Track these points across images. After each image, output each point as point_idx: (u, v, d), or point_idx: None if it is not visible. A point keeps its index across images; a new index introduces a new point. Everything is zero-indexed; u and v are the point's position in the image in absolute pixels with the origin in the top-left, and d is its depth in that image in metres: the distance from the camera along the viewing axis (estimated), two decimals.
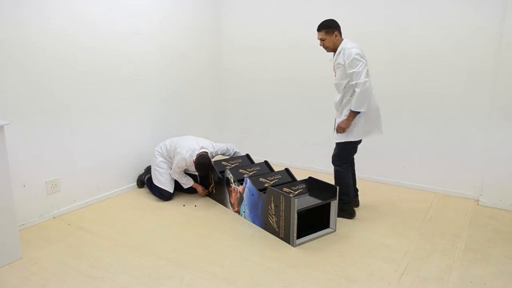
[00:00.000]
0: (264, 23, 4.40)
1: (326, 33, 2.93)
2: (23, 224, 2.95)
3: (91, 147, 3.41)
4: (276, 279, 2.34)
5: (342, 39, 2.97)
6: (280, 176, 3.27)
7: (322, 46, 3.01)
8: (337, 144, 3.11)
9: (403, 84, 3.73)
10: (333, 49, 2.98)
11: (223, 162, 3.56)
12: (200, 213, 3.31)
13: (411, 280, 2.32)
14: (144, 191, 3.79)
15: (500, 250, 2.66)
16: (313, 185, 3.03)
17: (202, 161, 3.34)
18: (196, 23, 4.37)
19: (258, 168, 3.46)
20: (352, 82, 2.86)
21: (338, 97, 3.05)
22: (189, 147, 3.42)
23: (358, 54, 2.82)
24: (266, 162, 3.57)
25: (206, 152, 3.43)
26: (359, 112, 2.88)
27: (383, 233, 2.91)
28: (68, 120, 3.19)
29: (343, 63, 2.88)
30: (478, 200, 3.46)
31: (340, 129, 2.97)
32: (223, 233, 2.94)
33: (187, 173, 3.62)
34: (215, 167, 3.50)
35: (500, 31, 3.20)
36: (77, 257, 2.57)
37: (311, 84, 4.26)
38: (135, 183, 3.86)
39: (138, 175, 3.87)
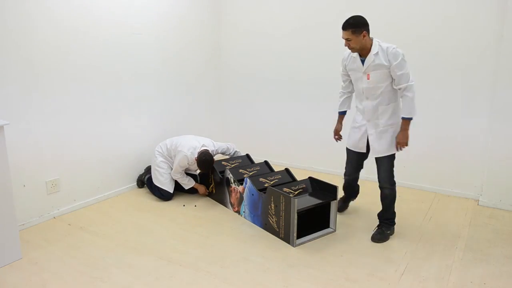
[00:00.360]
0: (264, 23, 4.40)
1: (353, 32, 2.55)
2: (23, 224, 2.95)
3: (91, 147, 3.41)
4: (276, 279, 2.34)
5: (371, 38, 2.61)
6: (280, 176, 3.27)
7: (347, 46, 2.64)
8: (385, 159, 2.75)
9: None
10: (360, 50, 2.62)
11: (223, 162, 3.56)
12: (200, 213, 3.31)
13: (411, 280, 2.32)
14: (144, 191, 3.78)
15: (500, 250, 2.66)
16: (313, 185, 3.04)
17: (205, 158, 3.34)
18: (196, 23, 4.37)
19: (258, 168, 3.46)
20: (401, 86, 2.56)
21: (369, 104, 2.69)
22: (190, 145, 3.42)
23: (403, 54, 2.55)
24: (266, 162, 3.57)
25: (208, 150, 3.43)
26: (411, 119, 2.60)
27: None
28: (68, 120, 3.19)
29: (387, 64, 2.55)
30: (478, 200, 3.46)
31: (403, 144, 2.66)
32: (223, 233, 2.94)
33: (187, 173, 3.62)
34: (215, 167, 3.50)
35: (500, 31, 3.20)
36: (77, 257, 2.57)
37: (311, 84, 4.25)
38: (135, 183, 3.86)
39: (138, 175, 3.87)
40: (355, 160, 2.99)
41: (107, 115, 3.51)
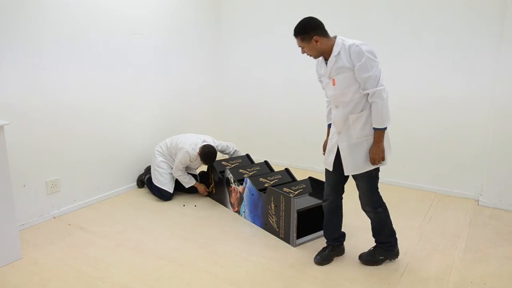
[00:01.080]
0: (264, 23, 4.40)
1: (303, 40, 2.22)
2: (23, 224, 2.96)
3: (91, 147, 3.41)
4: (276, 279, 2.34)
5: (330, 39, 2.22)
6: (280, 176, 3.27)
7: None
8: (362, 178, 2.32)
9: (402, 84, 3.73)
10: (320, 55, 2.26)
11: (223, 162, 3.56)
12: (200, 213, 3.31)
13: (411, 280, 2.32)
14: (144, 191, 3.78)
15: (500, 250, 2.66)
16: (313, 185, 3.03)
17: (208, 150, 3.35)
18: (196, 23, 4.37)
19: (258, 168, 3.46)
20: (368, 91, 2.14)
21: (339, 113, 2.27)
22: (191, 141, 3.43)
23: (370, 52, 2.12)
24: (266, 162, 3.57)
25: (209, 143, 3.46)
26: (385, 129, 2.21)
27: None
28: (68, 120, 3.19)
29: (349, 65, 2.14)
30: (478, 200, 3.46)
31: (378, 159, 2.23)
32: (223, 233, 2.94)
33: (189, 173, 3.62)
34: (215, 167, 3.50)
35: (500, 31, 3.20)
36: (77, 257, 2.57)
37: (311, 84, 4.25)
38: (135, 183, 3.86)
39: (138, 175, 3.87)
40: (330, 179, 2.47)
41: (107, 115, 3.51)
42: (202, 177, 3.73)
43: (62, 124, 3.16)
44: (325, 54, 2.25)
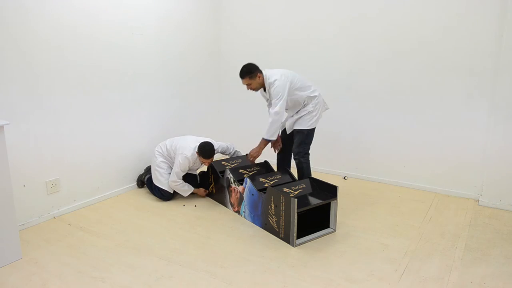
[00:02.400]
0: (264, 23, 4.40)
1: (250, 78, 3.15)
2: (23, 224, 2.96)
3: (91, 147, 3.41)
4: (276, 279, 2.34)
5: (264, 75, 3.16)
6: (280, 176, 3.27)
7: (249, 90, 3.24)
8: (300, 132, 3.25)
9: (402, 84, 3.74)
10: (261, 86, 3.22)
11: (223, 162, 3.56)
12: (200, 213, 3.31)
13: (411, 280, 2.32)
14: (144, 191, 3.78)
15: (500, 250, 2.66)
16: (313, 185, 3.03)
17: (205, 143, 3.36)
18: (196, 23, 4.37)
19: (258, 168, 3.46)
20: (270, 110, 3.12)
21: (288, 111, 3.36)
22: (190, 146, 3.42)
23: (280, 86, 3.06)
24: (266, 162, 3.57)
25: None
26: (267, 140, 3.16)
27: (383, 233, 2.91)
28: (68, 120, 3.19)
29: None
30: (478, 200, 3.46)
31: (252, 157, 3.30)
32: (223, 233, 2.94)
33: (189, 174, 3.60)
34: (215, 167, 3.50)
35: (500, 31, 3.20)
36: (77, 257, 2.58)
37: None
38: (135, 183, 3.86)
39: (138, 175, 3.87)
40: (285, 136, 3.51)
41: (107, 115, 3.51)
42: (202, 177, 3.73)
43: (62, 124, 3.16)
44: (263, 85, 3.22)
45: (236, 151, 3.80)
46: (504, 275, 2.37)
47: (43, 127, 3.03)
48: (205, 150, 3.34)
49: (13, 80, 2.80)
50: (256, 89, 3.23)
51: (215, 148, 3.51)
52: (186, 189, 3.52)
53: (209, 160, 3.41)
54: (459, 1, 3.35)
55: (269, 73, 3.15)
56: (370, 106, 3.95)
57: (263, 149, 3.25)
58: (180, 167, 3.40)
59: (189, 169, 3.59)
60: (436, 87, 3.57)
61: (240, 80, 4.67)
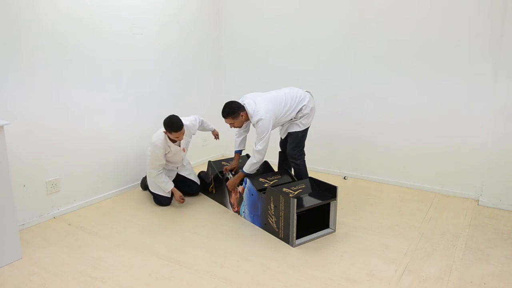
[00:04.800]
0: (264, 21, 4.40)
1: (233, 118, 3.10)
2: (23, 224, 2.96)
3: (91, 147, 3.41)
4: (276, 279, 2.34)
5: (247, 111, 3.09)
6: (280, 176, 3.27)
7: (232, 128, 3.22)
8: (293, 134, 3.22)
9: (402, 83, 3.73)
10: (243, 123, 3.23)
11: (223, 162, 3.56)
12: (200, 213, 3.31)
13: (411, 280, 2.32)
14: (146, 191, 3.78)
15: (500, 250, 2.66)
16: (313, 185, 3.03)
17: (168, 117, 3.08)
18: (196, 22, 4.37)
19: (258, 168, 3.45)
20: (255, 147, 3.07)
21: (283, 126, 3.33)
22: (157, 132, 3.22)
23: (263, 125, 3.01)
24: (266, 162, 3.56)
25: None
26: (244, 173, 3.12)
27: (383, 233, 2.91)
28: (68, 120, 3.19)
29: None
30: (478, 200, 3.46)
31: (229, 187, 3.25)
32: (223, 233, 2.94)
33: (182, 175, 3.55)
34: (215, 167, 3.50)
35: (500, 31, 3.20)
36: (77, 257, 2.58)
37: (311, 84, 4.25)
38: (135, 183, 3.85)
39: (142, 178, 3.83)
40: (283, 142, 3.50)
41: (107, 115, 3.51)
42: (202, 178, 3.72)
43: (62, 124, 3.16)
44: (247, 120, 3.19)
45: (207, 123, 3.70)
46: (504, 275, 2.37)
47: (43, 127, 3.03)
48: (172, 123, 3.03)
49: (13, 80, 2.80)
50: (239, 127, 3.22)
51: (198, 122, 3.40)
52: (164, 185, 3.30)
53: (179, 133, 3.08)
54: (459, 1, 3.35)
55: (252, 110, 3.06)
56: (370, 106, 3.94)
57: (238, 181, 3.18)
58: (153, 157, 3.17)
59: (170, 160, 3.34)
60: (436, 87, 3.57)
61: (240, 79, 4.73)
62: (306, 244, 2.76)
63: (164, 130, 3.11)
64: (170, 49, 4.07)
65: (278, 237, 2.84)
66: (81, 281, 2.32)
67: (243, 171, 3.14)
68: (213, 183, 3.56)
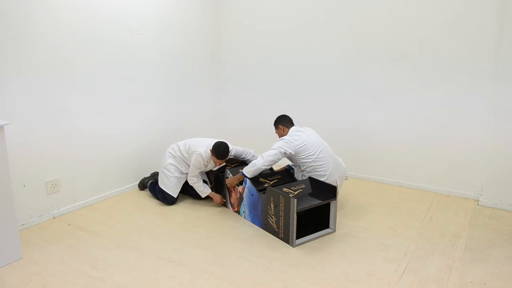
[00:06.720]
0: (264, 22, 4.40)
1: (275, 128, 3.44)
2: (23, 224, 2.96)
3: (91, 147, 3.41)
4: (276, 279, 2.34)
5: (288, 129, 3.34)
6: (280, 176, 3.27)
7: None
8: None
9: (402, 83, 3.73)
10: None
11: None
12: (200, 213, 3.31)
13: (411, 280, 2.32)
14: (145, 191, 3.78)
15: (500, 250, 2.66)
16: (313, 185, 3.03)
17: (220, 142, 3.23)
18: (196, 23, 4.37)
19: None
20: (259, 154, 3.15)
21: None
22: (204, 144, 3.32)
23: (279, 146, 3.10)
24: None
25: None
26: (243, 174, 3.13)
27: (383, 233, 2.91)
28: (68, 120, 3.19)
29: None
30: (478, 200, 3.46)
31: (229, 185, 3.26)
32: (223, 233, 2.94)
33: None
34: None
35: (500, 31, 3.20)
36: (77, 257, 2.58)
37: (312, 84, 4.26)
38: (135, 183, 3.85)
39: (142, 177, 3.84)
40: None
41: (107, 115, 3.51)
42: (216, 182, 3.64)
43: (62, 124, 3.16)
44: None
45: (254, 155, 3.60)
46: (504, 275, 2.37)
47: (43, 127, 3.03)
48: (219, 150, 3.20)
49: (13, 80, 2.80)
50: (281, 136, 3.36)
51: (230, 149, 3.36)
52: (202, 189, 3.41)
53: (221, 161, 3.26)
54: (459, 1, 3.35)
55: (292, 130, 3.32)
56: (370, 106, 3.94)
57: (237, 182, 3.19)
58: (195, 164, 3.30)
59: (203, 173, 3.50)
60: (436, 87, 3.57)
61: (240, 79, 4.73)
62: (306, 244, 2.76)
63: (211, 150, 3.25)
64: (170, 50, 4.07)
65: (278, 237, 2.84)
66: (81, 281, 2.32)
67: (242, 173, 3.11)
68: (213, 183, 3.56)
